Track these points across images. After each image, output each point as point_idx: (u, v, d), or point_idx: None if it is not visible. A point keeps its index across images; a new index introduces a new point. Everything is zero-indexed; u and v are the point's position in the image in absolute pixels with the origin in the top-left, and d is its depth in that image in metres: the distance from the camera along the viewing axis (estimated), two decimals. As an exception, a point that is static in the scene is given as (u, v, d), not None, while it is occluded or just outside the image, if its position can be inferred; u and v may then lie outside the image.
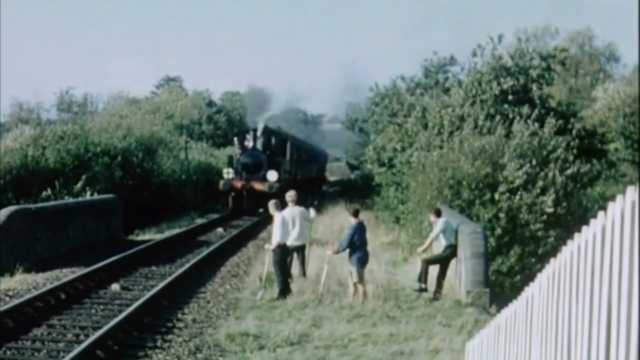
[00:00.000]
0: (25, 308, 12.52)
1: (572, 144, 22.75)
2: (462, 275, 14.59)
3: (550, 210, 20.39)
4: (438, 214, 15.21)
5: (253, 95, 45.48)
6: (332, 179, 79.26)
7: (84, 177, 27.94)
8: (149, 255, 19.84)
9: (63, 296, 14.00)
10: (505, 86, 25.57)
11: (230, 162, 35.46)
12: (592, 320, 3.84)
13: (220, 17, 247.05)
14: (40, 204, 21.00)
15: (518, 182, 20.71)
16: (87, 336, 11.06)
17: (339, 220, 25.18)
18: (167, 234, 25.68)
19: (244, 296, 14.89)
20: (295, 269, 15.84)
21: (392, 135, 28.67)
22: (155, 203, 32.34)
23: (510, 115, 23.82)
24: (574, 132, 24.20)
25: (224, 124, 60.40)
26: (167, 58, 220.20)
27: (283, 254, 14.57)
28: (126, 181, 31.13)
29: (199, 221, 30.64)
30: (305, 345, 10.87)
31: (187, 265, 17.64)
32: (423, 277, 14.50)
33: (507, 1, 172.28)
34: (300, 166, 42.68)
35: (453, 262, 15.00)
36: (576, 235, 4.18)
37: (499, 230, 20.01)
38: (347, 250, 13.95)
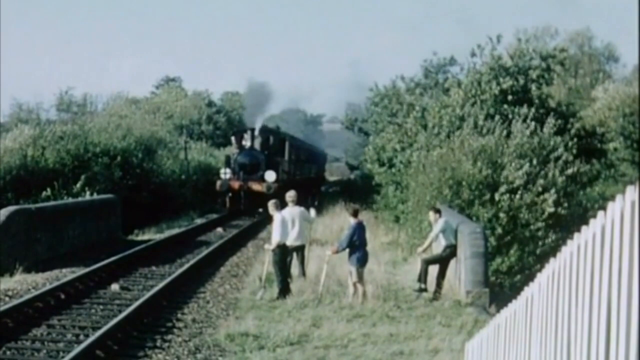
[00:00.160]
0: (24, 308, 12.52)
1: (570, 144, 22.73)
2: (461, 275, 14.59)
3: (551, 209, 20.39)
4: (438, 211, 15.22)
5: (253, 91, 44.56)
6: (331, 179, 79.27)
7: (83, 177, 27.95)
8: (149, 255, 19.85)
9: (63, 296, 14.00)
10: (504, 86, 25.57)
11: (227, 162, 34.84)
12: (592, 320, 3.84)
13: (220, 17, 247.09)
14: (39, 204, 20.99)
15: (518, 182, 20.71)
16: (86, 336, 11.06)
17: (338, 220, 25.18)
18: (167, 234, 25.69)
19: (244, 296, 14.90)
20: (295, 269, 15.84)
21: (391, 136, 28.65)
22: (154, 203, 32.34)
23: (510, 116, 23.81)
24: (573, 132, 24.16)
25: (224, 124, 60.39)
26: (167, 58, 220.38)
27: (283, 254, 14.57)
28: (126, 181, 31.13)
29: (199, 221, 30.67)
30: (305, 345, 10.88)
31: (186, 265, 17.65)
32: (423, 277, 14.50)
33: (510, 1, 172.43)
34: (299, 166, 42.16)
35: (453, 262, 15.00)
36: (576, 235, 4.18)
37: (499, 230, 20.02)
38: (347, 250, 13.96)
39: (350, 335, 11.31)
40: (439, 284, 14.57)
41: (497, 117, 23.52)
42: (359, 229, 14.06)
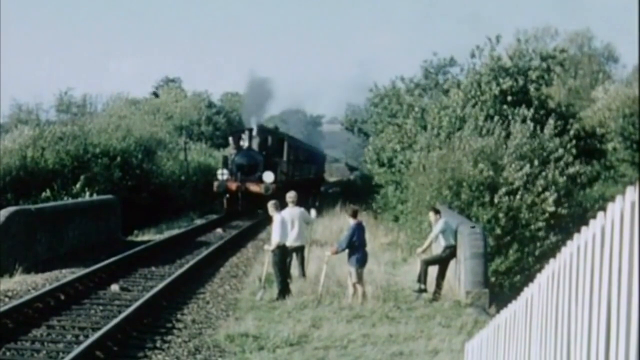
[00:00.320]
0: (24, 309, 12.51)
1: (569, 145, 22.74)
2: (461, 275, 14.60)
3: (552, 209, 20.41)
4: (437, 211, 15.22)
5: (255, 86, 43.07)
6: (331, 179, 79.33)
7: (83, 177, 27.97)
8: (149, 256, 19.85)
9: (62, 297, 14.00)
10: (504, 87, 25.57)
11: (225, 163, 34.15)
12: (592, 320, 3.84)
13: (220, 17, 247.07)
14: (39, 205, 20.98)
15: (517, 183, 20.73)
16: (86, 337, 11.06)
17: (338, 221, 25.18)
18: (167, 234, 25.69)
19: (244, 297, 14.90)
20: (294, 269, 15.84)
21: (391, 136, 28.66)
22: (154, 204, 32.34)
23: (510, 117, 23.82)
24: (572, 132, 24.17)
25: (224, 125, 60.37)
26: (167, 58, 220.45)
27: (282, 254, 14.57)
28: (125, 182, 31.14)
29: (199, 222, 30.66)
30: (305, 346, 10.88)
31: (186, 266, 17.65)
32: (422, 277, 14.49)
33: (511, 1, 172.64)
34: (297, 167, 41.61)
35: (452, 263, 15.00)
36: (576, 235, 4.18)
37: (498, 231, 20.02)
38: (346, 251, 13.96)
39: (350, 336, 11.30)
40: (438, 285, 14.57)
41: (496, 118, 23.53)
42: (359, 229, 14.06)
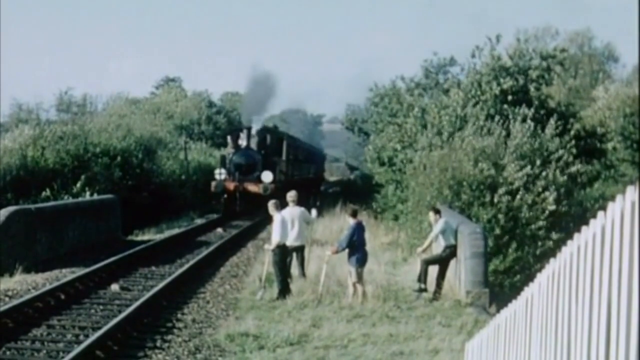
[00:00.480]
0: (24, 308, 12.51)
1: (569, 144, 22.73)
2: (461, 275, 14.59)
3: (552, 207, 20.42)
4: (437, 212, 15.21)
5: (257, 81, 41.31)
6: (331, 179, 79.37)
7: (83, 177, 27.96)
8: (149, 256, 19.84)
9: (63, 296, 14.00)
10: (505, 87, 25.57)
11: (222, 162, 33.44)
12: (592, 320, 3.84)
13: (220, 17, 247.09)
14: (39, 205, 20.99)
15: (517, 183, 20.73)
16: (86, 336, 11.06)
17: (338, 220, 25.17)
18: (167, 234, 25.69)
19: (244, 296, 14.89)
20: (294, 269, 15.83)
21: (391, 136, 28.66)
22: (154, 203, 32.32)
23: (510, 116, 23.81)
24: (573, 132, 24.17)
25: (224, 124, 60.34)
26: (167, 58, 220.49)
27: (283, 254, 14.57)
28: (126, 181, 31.13)
29: (199, 221, 30.64)
30: (305, 346, 10.88)
31: (186, 266, 17.65)
32: (423, 277, 14.49)
33: (515, 1, 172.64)
34: (297, 167, 41.01)
35: (453, 263, 15.00)
36: (576, 235, 4.18)
37: (497, 231, 20.02)
38: (346, 251, 13.96)
39: (350, 336, 11.31)
40: (438, 284, 14.57)
41: (497, 118, 23.53)
42: (359, 229, 14.07)
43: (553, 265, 4.75)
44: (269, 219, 18.05)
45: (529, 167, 21.00)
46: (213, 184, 32.39)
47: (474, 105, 25.12)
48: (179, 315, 13.06)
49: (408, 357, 10.42)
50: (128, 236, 25.79)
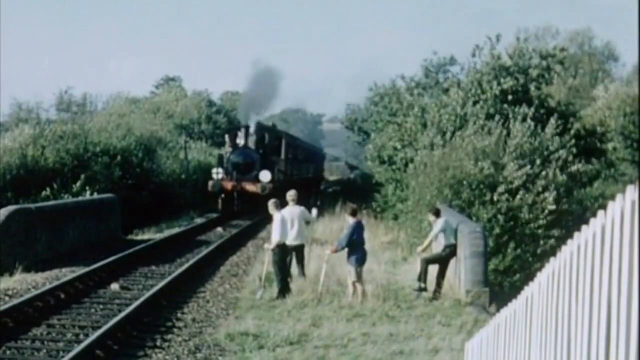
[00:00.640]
0: (25, 308, 12.52)
1: (569, 144, 22.74)
2: (461, 274, 14.60)
3: (552, 207, 20.42)
4: (437, 214, 15.19)
5: (260, 77, 39.76)
6: (331, 178, 79.41)
7: (83, 177, 27.95)
8: (149, 255, 19.84)
9: (63, 296, 14.00)
10: (505, 86, 25.57)
11: (220, 162, 32.90)
12: (592, 320, 3.84)
13: (220, 17, 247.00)
14: (39, 204, 21.00)
15: (517, 182, 20.73)
16: (86, 336, 11.06)
17: (338, 220, 25.17)
18: (167, 233, 25.68)
19: (244, 296, 14.89)
20: (295, 268, 15.83)
21: (391, 135, 28.68)
22: (154, 203, 32.31)
23: (510, 116, 23.82)
24: (573, 131, 24.18)
25: (224, 124, 60.33)
26: (167, 58, 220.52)
27: (283, 253, 14.57)
28: (126, 181, 31.13)
29: (199, 221, 30.61)
30: (305, 345, 10.88)
31: (186, 265, 17.65)
32: (423, 276, 14.50)
33: (516, 1, 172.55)
34: (296, 166, 40.52)
35: (453, 262, 15.00)
36: (576, 234, 4.18)
37: (497, 230, 20.03)
38: (346, 250, 13.97)
39: (351, 335, 11.31)
40: (439, 284, 14.57)
41: (497, 117, 23.54)
42: (358, 228, 14.07)
43: (553, 265, 4.75)
44: (269, 219, 18.04)
45: (528, 166, 21.01)
46: (210, 183, 31.93)
47: (474, 104, 25.13)
48: (179, 315, 13.06)
49: (408, 357, 10.42)
50: (128, 236, 25.80)
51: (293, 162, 39.27)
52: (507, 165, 21.17)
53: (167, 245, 22.07)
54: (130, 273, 17.37)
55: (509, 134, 22.33)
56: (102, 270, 16.67)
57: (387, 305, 13.40)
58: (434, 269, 14.74)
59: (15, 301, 12.76)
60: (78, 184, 27.36)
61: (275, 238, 14.43)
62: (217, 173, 32.14)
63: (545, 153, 22.13)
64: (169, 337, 11.46)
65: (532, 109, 23.83)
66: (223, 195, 31.82)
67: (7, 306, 12.22)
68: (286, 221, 14.90)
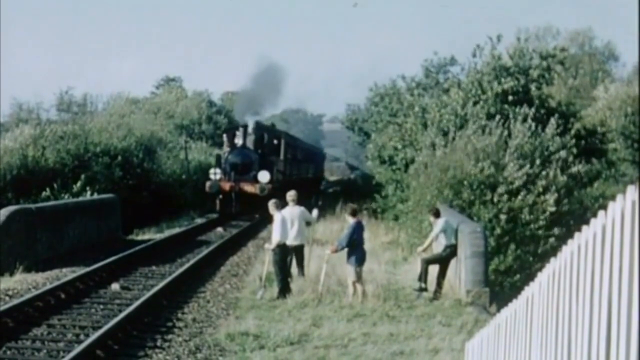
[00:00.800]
0: (25, 308, 12.51)
1: (569, 144, 22.73)
2: (462, 274, 14.60)
3: (553, 208, 20.42)
4: (437, 214, 15.19)
5: (264, 74, 39.46)
6: (332, 178, 79.40)
7: (83, 177, 27.95)
8: (149, 255, 19.84)
9: (63, 296, 14.00)
10: (506, 86, 25.57)
11: (218, 162, 32.26)
12: (592, 320, 3.84)
13: (220, 17, 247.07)
14: (40, 204, 21.00)
15: (518, 183, 20.72)
16: (87, 336, 11.06)
17: (338, 220, 25.17)
18: (167, 233, 25.68)
19: (244, 296, 14.90)
20: (295, 268, 15.83)
21: (392, 135, 28.68)
22: (155, 203, 32.29)
23: (511, 116, 23.81)
24: (573, 131, 24.17)
25: (224, 124, 60.31)
26: (167, 58, 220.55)
27: (283, 253, 14.57)
28: (126, 181, 31.12)
29: (199, 221, 30.60)
30: (305, 345, 10.88)
31: (187, 265, 17.65)
32: (423, 276, 14.50)
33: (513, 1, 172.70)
34: (295, 166, 40.14)
35: (453, 262, 15.00)
36: (576, 234, 4.18)
37: (498, 230, 20.02)
38: (346, 250, 13.98)
39: (351, 335, 11.31)
40: (439, 284, 14.57)
41: (497, 117, 23.54)
42: (358, 228, 14.09)
43: (553, 265, 4.75)
44: (268, 219, 18.04)
45: (528, 166, 21.00)
46: (208, 184, 31.38)
47: (474, 104, 25.12)
48: (179, 315, 13.06)
49: (408, 357, 10.42)
50: (128, 235, 25.79)
51: (292, 162, 38.93)
52: (508, 165, 21.17)
53: (167, 245, 22.07)
54: (130, 273, 17.37)
55: (509, 134, 22.32)
56: (102, 270, 16.67)
57: (387, 305, 13.40)
58: (434, 269, 14.75)
59: (16, 301, 12.76)
60: (78, 184, 27.35)
61: (276, 238, 14.43)
62: (215, 173, 31.64)
63: (546, 153, 22.12)
64: (169, 337, 11.46)
65: (533, 109, 23.81)
66: (221, 196, 31.37)
67: (7, 306, 12.22)
68: (286, 221, 14.91)
